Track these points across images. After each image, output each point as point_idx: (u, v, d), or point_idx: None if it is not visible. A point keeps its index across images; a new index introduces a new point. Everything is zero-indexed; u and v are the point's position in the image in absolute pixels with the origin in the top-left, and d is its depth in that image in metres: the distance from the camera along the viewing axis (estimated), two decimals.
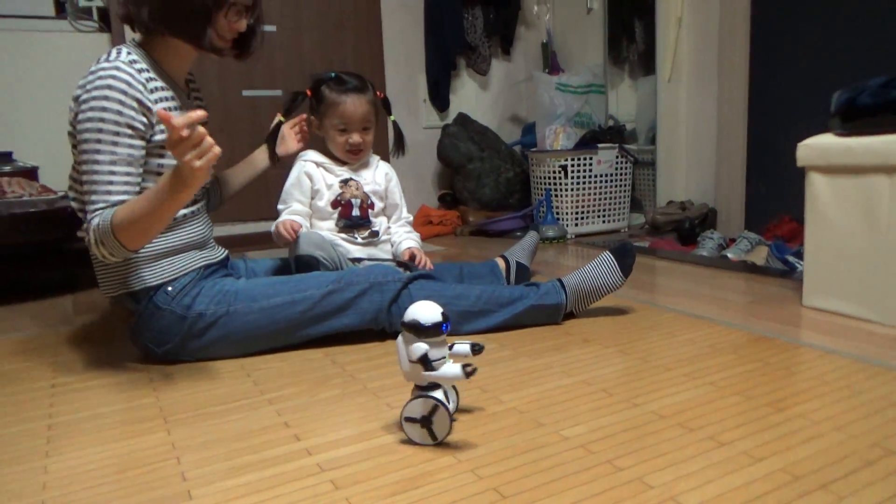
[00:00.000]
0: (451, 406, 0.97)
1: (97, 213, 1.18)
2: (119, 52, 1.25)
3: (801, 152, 1.52)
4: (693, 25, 2.70)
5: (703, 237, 2.38)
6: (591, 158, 2.79)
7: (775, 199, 2.54)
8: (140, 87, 1.24)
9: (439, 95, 3.28)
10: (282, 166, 1.70)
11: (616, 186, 2.90)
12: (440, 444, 0.92)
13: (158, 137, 1.27)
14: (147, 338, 1.32)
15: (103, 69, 1.22)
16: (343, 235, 1.63)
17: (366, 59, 3.10)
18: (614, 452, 0.88)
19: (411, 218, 1.79)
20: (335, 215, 1.64)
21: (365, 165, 1.72)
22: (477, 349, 0.95)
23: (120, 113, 1.21)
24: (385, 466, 0.87)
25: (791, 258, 1.94)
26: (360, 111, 1.62)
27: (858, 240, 1.43)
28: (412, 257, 1.63)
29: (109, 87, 1.21)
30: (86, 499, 0.82)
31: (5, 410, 1.13)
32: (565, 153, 2.78)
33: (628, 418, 0.99)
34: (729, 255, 2.18)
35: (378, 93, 1.69)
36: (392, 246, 1.71)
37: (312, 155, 1.68)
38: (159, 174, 1.28)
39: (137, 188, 1.24)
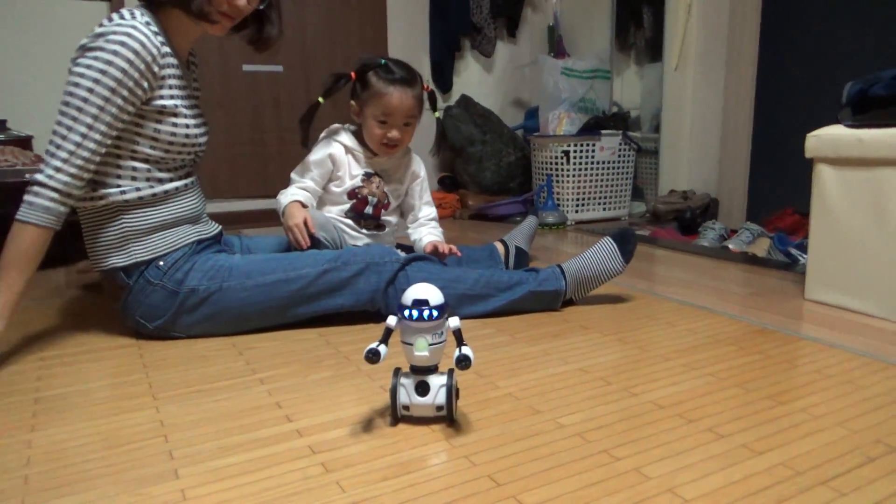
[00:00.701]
0: (426, 399, 0.91)
1: (51, 183, 1.15)
2: (134, 15, 1.22)
3: (809, 143, 1.50)
4: (703, 14, 2.66)
5: (704, 227, 2.35)
6: (593, 145, 2.76)
7: (778, 192, 2.51)
8: (154, 51, 1.21)
9: (443, 77, 3.24)
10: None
11: (618, 174, 2.87)
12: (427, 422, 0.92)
13: (158, 102, 1.24)
14: (138, 313, 1.30)
15: (120, 25, 1.19)
16: (348, 222, 1.60)
17: (369, 36, 3.05)
18: (611, 442, 0.86)
19: (434, 213, 1.70)
20: (347, 206, 1.60)
21: (395, 161, 1.64)
22: (461, 364, 0.88)
23: (124, 72, 1.18)
24: (377, 450, 0.85)
25: (794, 250, 1.92)
26: (405, 105, 1.51)
27: (865, 234, 1.40)
28: (434, 249, 1.57)
29: (123, 43, 1.18)
30: (70, 474, 0.81)
31: None
32: (568, 138, 2.74)
33: (626, 408, 0.97)
34: (730, 246, 2.16)
35: (425, 86, 1.59)
36: (413, 243, 1.66)
37: (344, 137, 1.59)
38: (154, 139, 1.26)
39: (97, 160, 1.20)
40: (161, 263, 1.29)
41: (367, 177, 1.59)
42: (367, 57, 1.57)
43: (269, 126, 2.89)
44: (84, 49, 1.19)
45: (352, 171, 1.59)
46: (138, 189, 1.27)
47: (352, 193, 1.59)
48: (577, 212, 2.80)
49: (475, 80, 3.38)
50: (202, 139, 1.36)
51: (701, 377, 1.08)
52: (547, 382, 1.07)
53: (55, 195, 1.16)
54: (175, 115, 1.28)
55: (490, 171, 3.09)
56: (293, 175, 1.59)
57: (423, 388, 0.91)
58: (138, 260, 1.28)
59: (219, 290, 1.31)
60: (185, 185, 1.35)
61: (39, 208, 1.15)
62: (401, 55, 3.12)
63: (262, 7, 1.33)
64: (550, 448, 0.85)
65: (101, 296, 1.66)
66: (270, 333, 1.35)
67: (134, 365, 1.19)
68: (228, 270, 1.32)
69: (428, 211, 1.69)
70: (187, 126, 1.30)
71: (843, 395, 1.00)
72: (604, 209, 2.86)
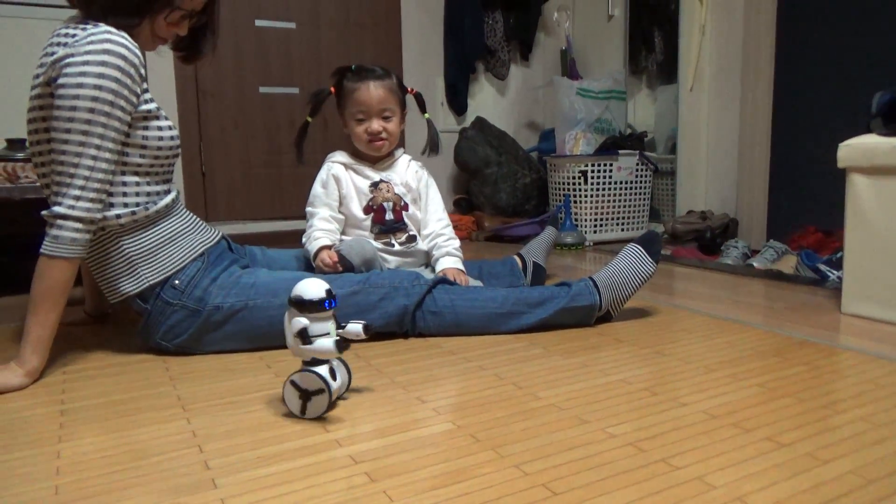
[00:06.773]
0: (339, 382, 0.98)
1: (74, 213, 1.12)
2: (95, 24, 1.16)
3: (842, 153, 1.47)
4: (716, 33, 2.67)
5: (726, 246, 2.32)
6: (611, 165, 2.75)
7: (799, 210, 2.48)
8: (138, 52, 1.17)
9: (457, 99, 3.25)
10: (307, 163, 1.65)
11: (636, 194, 2.85)
12: (310, 419, 0.95)
13: (143, 107, 1.20)
14: (158, 334, 1.26)
15: (94, 34, 1.13)
16: (380, 245, 1.57)
17: (384, 59, 3.06)
18: (667, 451, 0.82)
19: (447, 223, 1.65)
20: (368, 221, 1.57)
21: (393, 165, 1.64)
22: (369, 329, 0.99)
23: (118, 80, 1.13)
24: (422, 460, 0.81)
25: (823, 266, 1.89)
26: (375, 95, 1.53)
27: None
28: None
29: (107, 51, 1.12)
30: (102, 485, 0.77)
31: (15, 395, 1.08)
32: (586, 158, 2.73)
33: (677, 417, 0.93)
34: (755, 264, 2.12)
35: (410, 89, 1.64)
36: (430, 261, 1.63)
37: (340, 156, 1.62)
38: (143, 147, 1.21)
39: (111, 178, 1.17)
40: (177, 283, 1.25)
41: (375, 185, 1.59)
42: (339, 68, 1.61)
43: (285, 148, 2.88)
44: (61, 64, 1.12)
45: (357, 185, 1.58)
46: (133, 213, 1.22)
47: (367, 208, 1.58)
48: (595, 232, 2.78)
49: (489, 102, 3.39)
50: (179, 141, 1.31)
51: (750, 387, 1.04)
52: (590, 393, 1.03)
53: (79, 225, 1.12)
54: (157, 118, 1.23)
55: (505, 192, 3.08)
56: (308, 209, 1.58)
57: (333, 371, 0.97)
58: (152, 282, 1.24)
59: (244, 307, 1.27)
60: (173, 199, 1.30)
61: (66, 241, 1.11)
62: (415, 77, 3.16)
63: (201, 23, 1.31)
64: (604, 457, 0.81)
65: (122, 313, 1.62)
66: None
67: (160, 378, 1.15)
68: (253, 287, 1.29)
69: (438, 228, 1.63)
70: (170, 128, 1.26)
71: None
72: (622, 230, 2.84)
